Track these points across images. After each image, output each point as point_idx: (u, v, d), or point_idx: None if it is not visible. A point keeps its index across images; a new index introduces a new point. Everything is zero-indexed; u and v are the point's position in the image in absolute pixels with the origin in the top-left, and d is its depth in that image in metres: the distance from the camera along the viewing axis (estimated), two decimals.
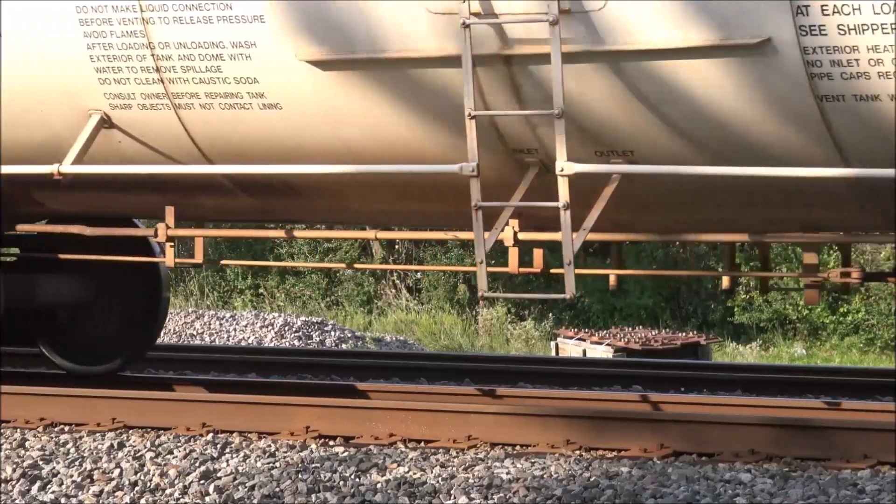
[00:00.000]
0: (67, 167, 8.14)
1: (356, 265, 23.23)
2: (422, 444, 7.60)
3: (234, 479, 6.68)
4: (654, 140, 7.27)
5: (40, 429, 8.18)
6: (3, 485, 6.79)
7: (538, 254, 8.11)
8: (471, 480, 6.47)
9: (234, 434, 7.87)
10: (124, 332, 10.34)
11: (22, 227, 9.38)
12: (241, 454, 7.24)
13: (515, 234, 7.61)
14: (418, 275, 25.20)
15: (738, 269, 10.37)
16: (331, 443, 7.67)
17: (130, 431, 8.03)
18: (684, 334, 19.29)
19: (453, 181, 7.38)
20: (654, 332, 19.30)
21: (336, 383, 10.58)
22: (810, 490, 6.15)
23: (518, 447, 7.44)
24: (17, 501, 6.61)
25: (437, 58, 7.35)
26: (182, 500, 6.51)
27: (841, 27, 6.56)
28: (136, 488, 6.68)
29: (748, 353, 21.40)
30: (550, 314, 24.05)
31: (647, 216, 7.96)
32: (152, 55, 7.91)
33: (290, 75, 7.68)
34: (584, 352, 17.70)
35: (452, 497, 6.26)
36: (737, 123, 7.02)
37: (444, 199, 8.05)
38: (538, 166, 7.60)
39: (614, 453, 7.26)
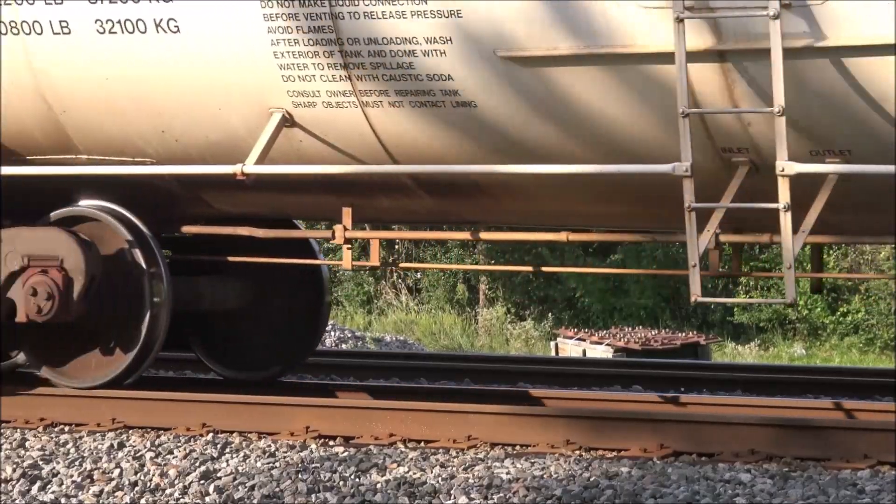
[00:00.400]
0: (251, 167, 7.93)
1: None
2: (422, 444, 7.60)
3: (234, 479, 6.69)
4: (874, 139, 7.09)
5: (40, 429, 8.18)
6: (3, 485, 6.79)
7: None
8: (471, 480, 6.47)
9: (234, 434, 7.87)
10: (284, 338, 9.98)
11: (188, 229, 9.15)
12: (241, 454, 7.25)
13: (717, 236, 7.36)
14: (418, 274, 25.21)
15: None
16: (331, 443, 7.67)
17: (130, 431, 8.03)
18: (684, 334, 19.31)
19: (659, 181, 7.21)
20: (653, 332, 19.32)
21: (336, 383, 10.59)
22: (810, 490, 6.15)
23: (518, 447, 7.44)
24: (17, 501, 6.61)
25: (646, 54, 7.17)
26: (182, 500, 6.51)
27: None
28: (136, 488, 6.68)
29: (747, 353, 21.41)
30: (550, 314, 24.06)
31: (860, 216, 7.76)
32: (340, 51, 7.72)
33: (487, 72, 7.49)
34: (584, 352, 17.71)
35: (452, 497, 6.26)
36: None
37: (644, 200, 7.86)
38: (748, 166, 7.38)
39: (614, 453, 7.26)
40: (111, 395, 8.49)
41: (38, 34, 8.31)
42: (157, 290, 8.67)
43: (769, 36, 6.83)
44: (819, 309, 23.23)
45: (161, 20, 8.07)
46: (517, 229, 9.39)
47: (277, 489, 6.49)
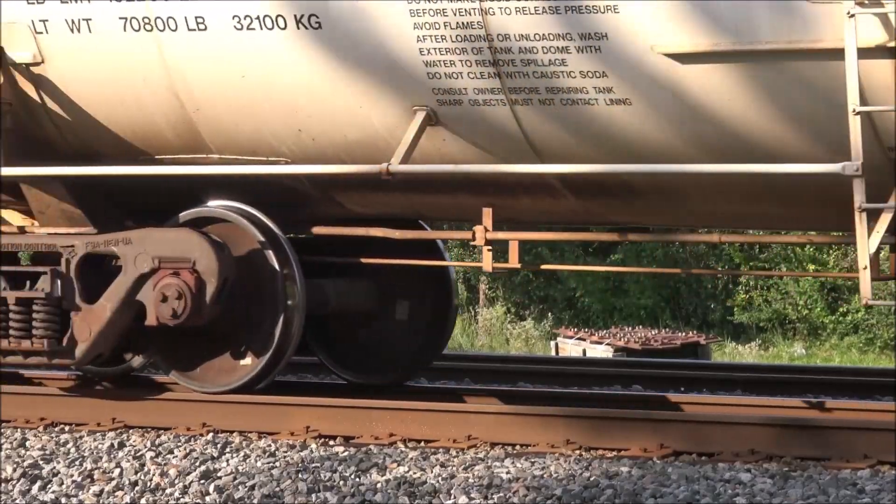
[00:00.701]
0: (396, 166, 7.74)
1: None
2: (422, 443, 7.60)
3: (235, 478, 6.69)
4: None
5: (41, 428, 8.18)
6: (3, 484, 6.79)
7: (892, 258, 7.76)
8: (471, 480, 6.47)
9: (234, 434, 7.88)
10: (412, 341, 9.65)
11: (318, 230, 8.86)
12: (242, 454, 7.25)
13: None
14: None
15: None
16: (331, 442, 7.67)
17: (130, 431, 8.03)
18: (684, 334, 19.29)
19: (822, 182, 7.07)
20: (653, 332, 19.30)
21: (337, 382, 10.58)
22: (810, 490, 6.15)
23: (518, 447, 7.44)
24: (17, 501, 6.61)
25: (814, 50, 7.03)
26: (182, 500, 6.51)
27: None
28: (137, 488, 6.68)
29: (747, 353, 21.40)
30: (550, 314, 24.05)
31: None
32: (490, 48, 7.56)
33: (644, 69, 7.33)
34: (584, 351, 17.69)
35: (452, 497, 6.26)
36: None
37: (803, 200, 7.70)
38: None
39: (614, 453, 7.26)
40: (111, 394, 8.50)
41: (173, 31, 8.14)
42: (291, 292, 8.43)
43: None
44: (819, 309, 23.22)
45: (302, 16, 7.87)
46: (662, 230, 9.19)
47: (277, 489, 6.49)
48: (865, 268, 6.94)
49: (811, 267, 22.45)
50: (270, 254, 8.43)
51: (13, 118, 8.53)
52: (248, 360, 8.48)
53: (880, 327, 22.60)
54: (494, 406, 7.88)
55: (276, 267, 8.41)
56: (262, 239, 8.44)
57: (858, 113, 6.89)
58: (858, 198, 6.92)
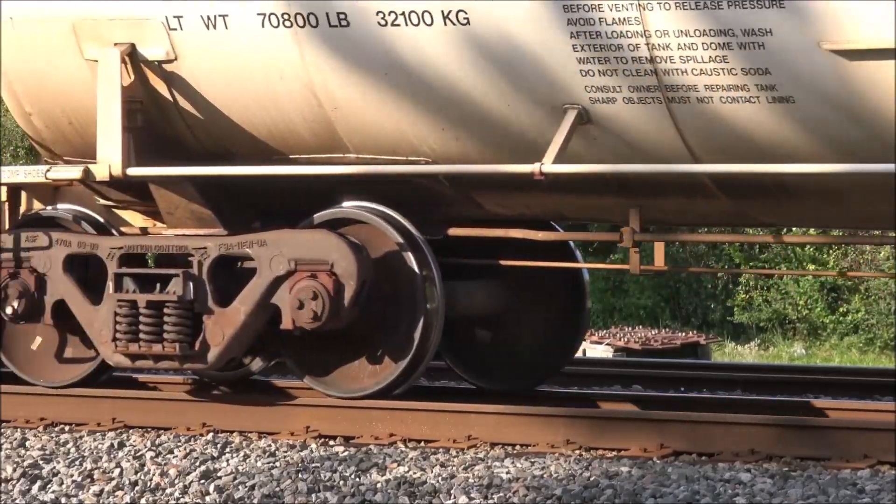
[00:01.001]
0: (549, 166, 7.50)
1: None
2: (422, 443, 7.60)
3: (235, 478, 6.69)
4: None
5: (40, 428, 8.18)
6: (3, 484, 6.79)
7: None
8: (471, 480, 6.47)
9: (235, 434, 7.88)
10: (544, 345, 9.47)
11: (455, 231, 8.62)
12: (242, 454, 7.24)
13: None
14: None
15: None
16: (331, 442, 7.67)
17: (130, 431, 8.03)
18: (684, 334, 19.29)
19: None
20: (653, 332, 19.29)
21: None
22: (810, 490, 6.15)
23: (518, 447, 7.44)
24: (17, 501, 6.61)
25: None
26: (182, 500, 6.51)
27: None
28: (137, 488, 6.68)
29: (747, 353, 21.40)
30: None
31: None
32: (647, 44, 7.33)
33: (809, 66, 7.13)
34: (584, 351, 17.69)
35: (452, 497, 6.26)
36: None
37: None
38: None
39: (614, 453, 7.26)
40: (111, 394, 8.49)
41: (314, 27, 7.92)
42: (431, 294, 8.20)
43: None
44: (819, 309, 23.21)
45: (450, 12, 7.63)
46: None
47: (278, 489, 6.49)
48: None
49: (811, 267, 22.44)
50: (409, 255, 8.19)
51: (144, 116, 8.37)
52: (385, 365, 8.24)
53: (880, 327, 22.59)
54: (494, 406, 7.87)
55: (416, 269, 8.18)
56: (400, 240, 8.20)
57: None
58: None
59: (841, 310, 23.10)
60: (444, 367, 11.68)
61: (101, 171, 8.31)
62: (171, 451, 7.32)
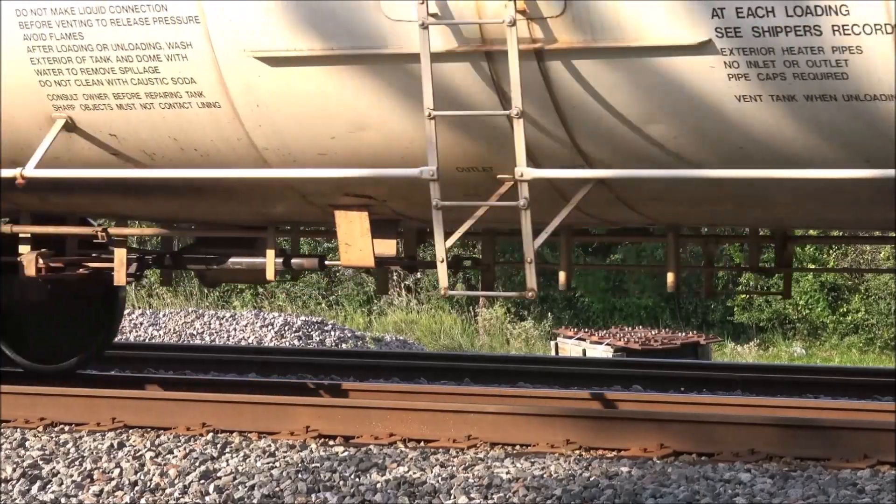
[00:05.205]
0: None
1: None
2: (422, 443, 7.60)
3: (234, 478, 6.69)
4: None
5: (40, 429, 8.18)
6: (3, 484, 6.79)
7: None
8: (471, 480, 6.47)
9: (234, 434, 7.88)
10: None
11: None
12: (241, 454, 7.25)
13: None
14: (418, 274, 25.19)
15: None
16: (331, 442, 7.67)
17: (130, 431, 8.03)
18: (684, 334, 19.31)
19: None
20: (653, 332, 19.31)
21: (336, 383, 10.59)
22: (810, 490, 6.15)
23: (518, 447, 7.44)
24: (17, 501, 6.61)
25: None
26: (182, 500, 6.52)
27: None
28: (136, 488, 6.68)
29: (747, 353, 21.41)
30: (550, 314, 24.05)
31: None
32: None
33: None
34: (584, 351, 17.71)
35: (452, 497, 6.26)
36: None
37: None
38: None
39: (614, 453, 7.26)
40: (111, 394, 8.50)
41: None
42: None
43: None
44: (819, 308, 23.23)
45: None
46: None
47: (277, 489, 6.49)
48: None
49: (811, 266, 22.46)
50: None
51: None
52: None
53: (880, 327, 22.61)
54: (494, 406, 7.88)
55: None
56: None
57: None
58: None
59: (841, 309, 23.13)
60: (445, 368, 11.73)
61: None
62: (170, 451, 7.32)
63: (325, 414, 7.96)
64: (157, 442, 7.59)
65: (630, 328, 19.88)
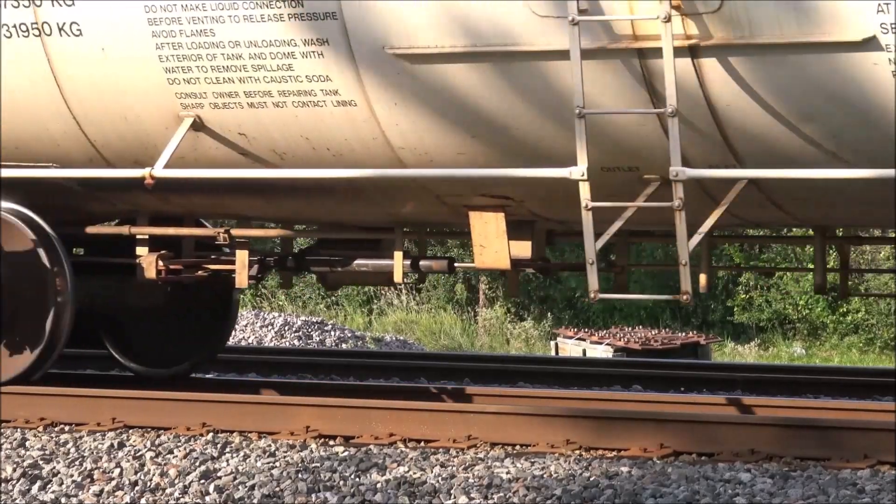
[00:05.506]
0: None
1: None
2: (422, 443, 7.60)
3: (235, 478, 6.69)
4: None
5: (40, 428, 8.18)
6: (3, 484, 6.79)
7: None
8: (471, 480, 6.47)
9: (234, 434, 7.88)
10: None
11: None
12: (241, 454, 7.25)
13: None
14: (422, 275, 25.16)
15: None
16: (331, 442, 7.67)
17: (130, 431, 8.03)
18: (684, 334, 19.31)
19: None
20: (653, 332, 19.32)
21: (337, 382, 10.59)
22: (810, 490, 6.15)
23: (518, 447, 7.44)
24: (17, 501, 6.61)
25: None
26: (182, 500, 6.52)
27: None
28: (137, 488, 6.68)
29: (747, 353, 21.42)
30: (550, 314, 24.05)
31: None
32: None
33: None
34: (584, 351, 17.71)
35: (452, 497, 6.26)
36: None
37: None
38: None
39: (614, 453, 7.26)
40: (111, 394, 8.49)
41: None
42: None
43: None
44: (819, 308, 23.23)
45: None
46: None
47: (277, 489, 6.49)
48: None
49: (811, 266, 22.44)
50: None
51: None
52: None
53: (880, 327, 22.61)
54: (494, 406, 7.87)
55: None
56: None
57: None
58: None
59: (841, 310, 23.12)
60: (445, 368, 11.73)
61: None
62: (170, 451, 7.31)
63: (325, 414, 7.95)
64: (157, 442, 7.59)
65: (630, 328, 19.88)
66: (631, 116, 7.07)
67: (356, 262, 8.80)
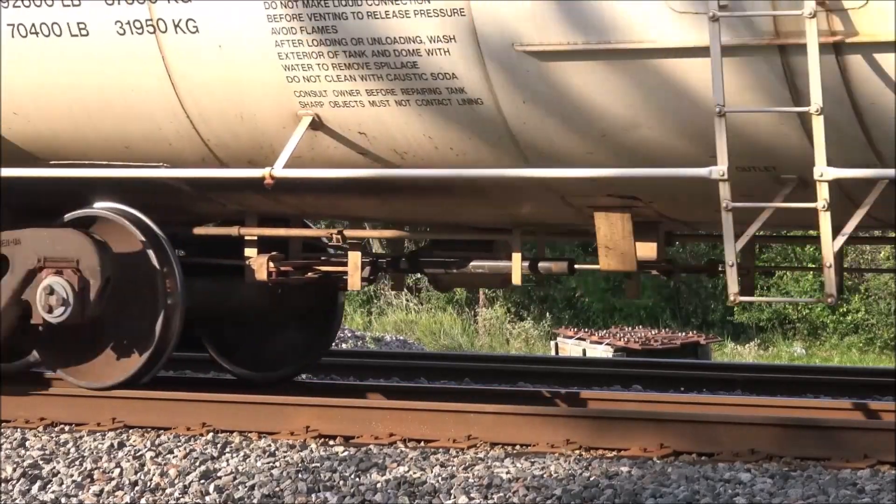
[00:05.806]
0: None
1: None
2: (422, 443, 7.60)
3: (234, 478, 6.69)
4: None
5: (40, 428, 8.18)
6: (3, 484, 6.79)
7: None
8: (471, 480, 6.47)
9: (234, 434, 7.88)
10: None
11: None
12: (241, 454, 7.25)
13: None
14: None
15: None
16: (331, 442, 7.67)
17: (130, 431, 8.03)
18: (684, 334, 19.31)
19: None
20: (653, 332, 19.32)
21: (337, 382, 10.58)
22: (810, 490, 6.15)
23: (518, 447, 7.44)
24: (17, 501, 6.61)
25: None
26: (182, 500, 6.52)
27: None
28: (137, 488, 6.68)
29: (747, 353, 21.42)
30: (550, 314, 24.05)
31: None
32: None
33: None
34: (584, 351, 17.72)
35: (452, 497, 6.26)
36: None
37: None
38: None
39: (614, 453, 7.26)
40: (111, 394, 8.49)
41: None
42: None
43: None
44: (819, 308, 23.23)
45: None
46: None
47: (277, 489, 6.49)
48: None
49: (811, 266, 22.44)
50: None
51: None
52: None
53: (880, 327, 22.61)
54: (494, 406, 7.87)
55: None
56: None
57: None
58: None
59: (841, 309, 23.12)
60: (445, 368, 11.73)
61: None
62: (170, 451, 7.32)
63: (325, 414, 7.95)
64: (157, 442, 7.59)
65: (630, 328, 19.88)
66: (770, 115, 6.94)
67: (472, 263, 8.62)
